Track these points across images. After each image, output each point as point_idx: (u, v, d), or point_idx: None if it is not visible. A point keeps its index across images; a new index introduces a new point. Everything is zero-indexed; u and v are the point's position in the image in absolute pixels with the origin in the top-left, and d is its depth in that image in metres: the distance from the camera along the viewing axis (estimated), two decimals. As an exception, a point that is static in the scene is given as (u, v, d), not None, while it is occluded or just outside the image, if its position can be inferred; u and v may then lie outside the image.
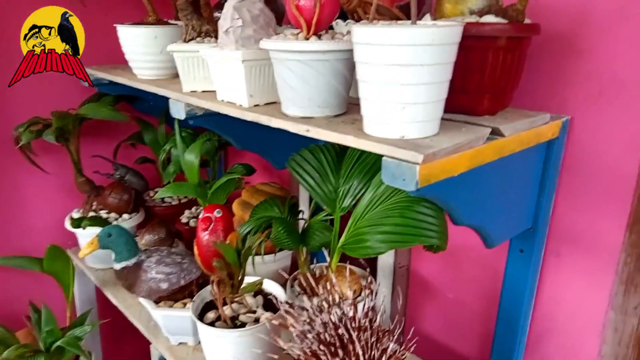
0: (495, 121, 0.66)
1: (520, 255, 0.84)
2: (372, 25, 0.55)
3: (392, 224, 0.62)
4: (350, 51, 0.67)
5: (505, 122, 0.65)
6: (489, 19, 0.64)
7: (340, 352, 0.61)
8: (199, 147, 0.98)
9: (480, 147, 0.60)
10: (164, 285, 0.94)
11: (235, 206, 1.12)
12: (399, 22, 0.65)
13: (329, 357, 0.60)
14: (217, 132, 0.99)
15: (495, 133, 0.63)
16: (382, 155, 0.56)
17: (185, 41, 0.92)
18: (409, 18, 0.80)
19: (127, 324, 1.15)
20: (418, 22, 0.60)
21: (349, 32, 0.71)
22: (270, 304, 0.88)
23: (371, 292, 0.71)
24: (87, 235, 1.24)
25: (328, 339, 0.63)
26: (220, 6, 0.91)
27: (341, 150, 0.78)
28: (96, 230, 1.19)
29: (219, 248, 0.70)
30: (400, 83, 0.55)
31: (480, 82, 0.66)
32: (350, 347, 0.61)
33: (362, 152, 0.75)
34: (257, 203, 1.11)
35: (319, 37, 0.68)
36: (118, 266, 0.94)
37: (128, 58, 1.10)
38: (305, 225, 0.87)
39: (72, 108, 1.29)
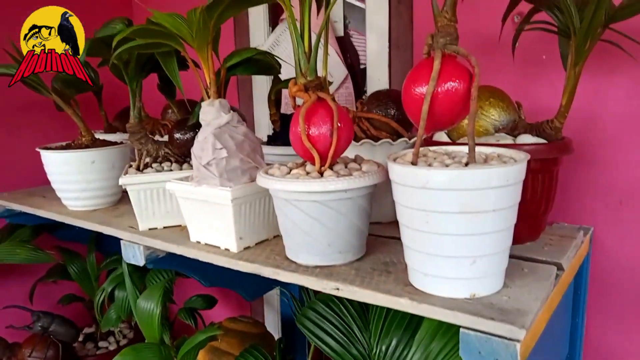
0: (546, 252, 0.58)
1: (559, 385, 0.73)
2: (437, 168, 0.44)
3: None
4: (373, 186, 0.56)
5: (560, 253, 0.57)
6: (527, 139, 0.57)
7: None
8: (160, 292, 0.79)
9: (552, 293, 0.51)
10: None
11: (201, 353, 0.92)
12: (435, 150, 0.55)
13: None
14: (182, 272, 0.81)
15: (557, 269, 0.54)
16: (457, 326, 0.44)
17: (139, 169, 0.76)
18: (407, 130, 0.73)
19: None
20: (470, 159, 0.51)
21: (357, 158, 0.61)
22: None
23: None
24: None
25: None
26: (178, 126, 0.77)
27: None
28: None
29: None
30: (473, 233, 0.44)
31: (521, 208, 0.57)
32: None
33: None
34: (227, 347, 0.92)
35: (331, 169, 0.56)
36: None
37: (56, 187, 0.90)
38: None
39: (-25, 248, 1.03)
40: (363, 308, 0.63)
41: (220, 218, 0.63)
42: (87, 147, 0.88)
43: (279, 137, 0.83)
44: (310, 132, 0.54)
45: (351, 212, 0.55)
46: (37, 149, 0.89)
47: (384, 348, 0.59)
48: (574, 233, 0.65)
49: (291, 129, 0.56)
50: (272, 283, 0.91)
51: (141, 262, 0.73)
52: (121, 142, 0.93)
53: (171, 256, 0.77)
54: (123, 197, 0.96)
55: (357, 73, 0.98)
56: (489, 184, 0.43)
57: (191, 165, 0.78)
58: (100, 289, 1.00)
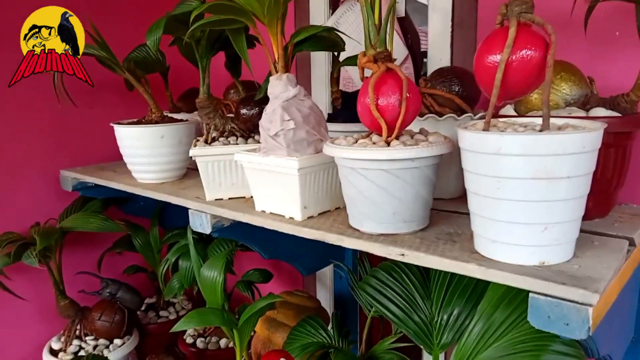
0: (617, 227, 0.56)
1: (623, 370, 0.72)
2: (509, 133, 0.45)
3: (528, 369, 0.49)
4: (439, 156, 0.57)
5: (631, 228, 0.56)
6: (600, 112, 0.56)
7: None
8: (223, 261, 0.83)
9: (624, 266, 0.50)
10: None
11: (258, 324, 0.95)
12: (510, 121, 0.55)
13: None
14: (244, 243, 0.85)
15: (629, 244, 0.53)
16: (527, 291, 0.44)
17: (208, 142, 0.79)
18: (471, 106, 0.73)
19: None
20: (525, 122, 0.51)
21: (422, 131, 0.61)
22: None
23: None
24: (72, 372, 1.02)
25: None
26: (244, 102, 0.80)
27: (423, 268, 0.65)
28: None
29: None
30: (546, 200, 0.44)
31: (592, 182, 0.57)
32: None
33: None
34: (284, 319, 0.95)
35: (397, 140, 0.57)
36: None
37: (127, 161, 0.96)
38: (365, 352, 0.73)
39: (52, 218, 1.11)
40: (424, 277, 0.63)
41: (286, 187, 0.65)
42: (156, 122, 0.93)
43: (340, 114, 0.85)
44: (378, 102, 0.55)
45: (417, 181, 0.55)
46: (112, 124, 0.94)
47: (445, 317, 0.59)
48: (645, 212, 0.63)
49: (359, 100, 0.58)
50: (330, 257, 0.93)
51: (207, 230, 0.77)
52: (187, 120, 0.98)
53: (235, 226, 0.80)
54: (188, 172, 1.00)
55: (416, 54, 0.98)
56: (564, 150, 0.43)
57: (256, 140, 0.81)
58: (164, 260, 1.05)
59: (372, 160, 0.54)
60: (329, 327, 0.81)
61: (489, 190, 0.47)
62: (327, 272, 1.18)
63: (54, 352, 1.06)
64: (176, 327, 0.78)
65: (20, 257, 0.93)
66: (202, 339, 1.10)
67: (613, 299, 0.47)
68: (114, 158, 1.15)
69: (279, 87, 0.66)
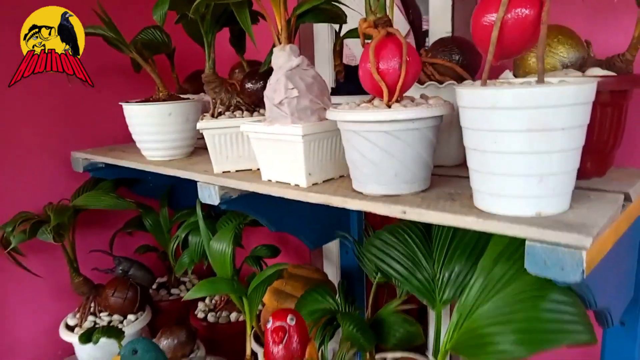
0: (613, 184, 0.58)
1: (622, 328, 0.73)
2: (504, 87, 0.46)
3: (526, 319, 0.50)
4: (439, 117, 0.59)
5: (627, 186, 0.57)
6: (596, 71, 0.57)
7: None
8: (231, 234, 0.85)
9: (619, 218, 0.51)
10: (204, 407, 0.77)
11: (267, 295, 0.97)
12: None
13: None
14: (251, 215, 0.87)
15: (625, 199, 0.55)
16: (522, 239, 0.46)
17: (214, 117, 0.81)
18: (471, 75, 0.74)
19: None
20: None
21: (422, 96, 0.63)
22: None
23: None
24: (89, 347, 1.05)
25: None
26: (251, 76, 0.82)
27: (426, 229, 0.67)
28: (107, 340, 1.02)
29: (305, 368, 0.56)
30: (542, 151, 0.46)
31: (589, 141, 0.58)
32: None
33: (457, 230, 0.64)
34: (292, 290, 0.98)
35: (399, 103, 0.59)
36: (146, 388, 0.77)
37: (136, 139, 0.98)
38: (371, 316, 0.75)
39: (65, 198, 1.14)
40: (426, 237, 0.65)
41: (291, 155, 0.67)
42: (164, 101, 0.95)
43: (343, 87, 0.86)
44: (379, 66, 0.57)
45: (418, 143, 0.57)
46: (120, 103, 0.97)
47: (447, 274, 0.61)
48: (643, 172, 0.64)
49: (360, 65, 0.59)
50: (336, 229, 0.95)
51: (216, 202, 0.79)
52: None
53: (243, 198, 0.82)
54: (196, 150, 1.03)
55: (417, 30, 0.99)
56: (559, 102, 0.44)
57: (261, 114, 0.83)
58: (174, 237, 1.08)
59: (374, 122, 0.56)
60: (336, 296, 0.83)
61: (486, 144, 0.48)
62: (333, 249, 1.20)
63: (70, 328, 1.09)
64: (188, 296, 0.80)
65: (36, 233, 0.96)
66: (213, 314, 1.13)
67: (608, 247, 0.49)
68: (123, 140, 1.17)
69: (282, 58, 0.68)
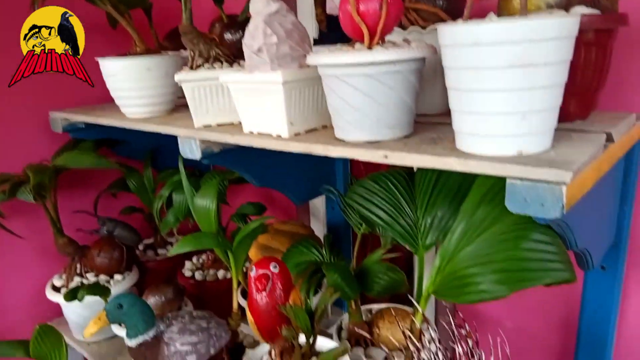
0: (596, 126, 0.58)
1: (603, 273, 0.75)
2: (486, 22, 0.45)
3: (507, 259, 0.51)
4: (422, 60, 0.57)
5: (610, 126, 0.57)
6: (580, 10, 0.56)
7: None
8: (215, 190, 0.85)
9: (600, 157, 0.51)
10: (192, 358, 0.78)
11: (253, 251, 0.98)
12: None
13: None
14: (234, 170, 0.86)
15: (607, 139, 0.55)
16: (504, 181, 0.46)
17: (193, 69, 0.79)
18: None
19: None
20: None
21: (405, 40, 0.61)
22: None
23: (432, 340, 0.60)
24: (76, 306, 1.05)
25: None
26: (229, 26, 0.80)
27: (409, 176, 0.67)
28: (94, 298, 1.02)
29: (288, 312, 0.56)
30: (524, 88, 0.45)
31: (573, 82, 0.57)
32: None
33: (440, 175, 0.64)
34: (278, 246, 0.98)
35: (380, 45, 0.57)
36: (133, 342, 0.77)
37: (115, 95, 0.95)
38: (356, 267, 0.75)
39: (45, 160, 1.11)
40: (409, 184, 0.65)
41: (272, 103, 0.65)
42: (141, 55, 0.92)
43: (326, 37, 0.84)
44: (359, 7, 0.55)
45: (400, 86, 0.56)
46: (96, 59, 0.93)
47: (429, 220, 0.61)
48: (626, 116, 0.64)
49: (340, 8, 0.57)
50: (322, 183, 0.95)
51: (197, 156, 0.78)
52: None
53: (225, 152, 0.81)
54: (177, 108, 1.00)
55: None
56: (542, 35, 0.43)
57: (241, 66, 0.81)
58: (158, 196, 1.07)
59: (354, 64, 0.54)
60: (322, 249, 0.83)
61: (468, 83, 0.47)
62: (319, 206, 1.20)
63: (56, 289, 1.09)
64: (173, 251, 0.80)
65: (15, 193, 0.94)
66: (201, 272, 1.13)
67: (589, 186, 0.49)
68: (103, 100, 1.14)
69: (261, 3, 0.66)
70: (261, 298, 0.60)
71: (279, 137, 0.67)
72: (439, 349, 0.54)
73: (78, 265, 1.12)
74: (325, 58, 0.56)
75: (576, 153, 0.47)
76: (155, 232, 1.28)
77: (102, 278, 1.11)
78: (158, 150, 1.26)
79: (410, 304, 0.81)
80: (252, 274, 0.62)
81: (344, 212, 0.81)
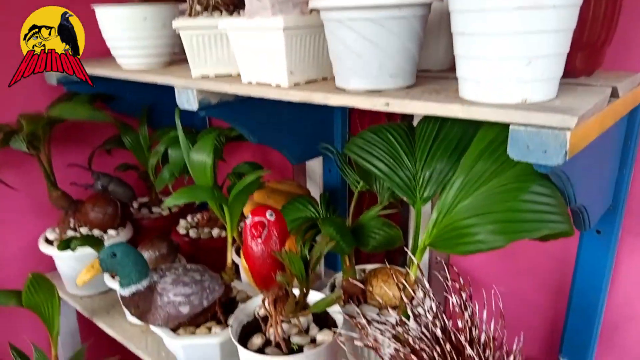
0: (601, 81, 0.57)
1: (598, 237, 0.75)
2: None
3: (505, 210, 0.50)
4: (427, 6, 0.56)
5: (616, 81, 0.56)
6: (593, -43, 0.54)
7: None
8: (211, 144, 0.83)
9: (604, 110, 0.50)
10: (185, 309, 0.78)
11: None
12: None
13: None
14: (232, 124, 0.85)
15: (612, 94, 0.54)
16: (505, 130, 0.45)
17: (191, 16, 0.77)
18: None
19: (128, 357, 0.98)
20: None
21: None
22: (320, 319, 0.75)
23: (426, 293, 0.60)
24: (69, 258, 1.05)
25: (436, 358, 0.51)
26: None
27: (409, 129, 0.66)
28: (87, 251, 1.02)
29: (283, 258, 0.56)
30: (531, 31, 0.44)
31: (580, 34, 0.56)
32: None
33: (440, 129, 0.63)
34: (274, 204, 0.97)
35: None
36: (126, 292, 0.77)
37: (110, 45, 0.93)
38: (352, 222, 0.75)
39: (38, 111, 1.10)
40: (409, 136, 0.64)
41: (272, 50, 0.64)
42: (138, 3, 0.89)
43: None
44: (366, -53, 0.53)
45: (404, 32, 0.55)
46: (92, 6, 0.91)
47: (428, 173, 0.61)
48: (632, 75, 0.63)
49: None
50: (319, 140, 0.94)
51: (194, 107, 0.76)
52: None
53: (223, 105, 0.80)
54: (173, 62, 0.98)
55: None
56: (552, -25, 0.42)
57: (240, 15, 0.78)
58: (154, 151, 1.05)
59: (358, 7, 0.53)
60: (320, 204, 0.83)
61: (474, 26, 0.46)
62: (316, 169, 1.19)
63: (49, 242, 1.09)
64: (167, 202, 0.79)
65: (8, 142, 0.93)
66: (195, 230, 1.13)
67: (591, 137, 0.48)
68: (100, 54, 1.12)
69: (263, -54, 0.64)
70: (256, 245, 0.59)
71: (278, 86, 0.66)
72: (433, 300, 0.54)
73: (72, 220, 1.12)
74: (328, 1, 0.54)
75: (581, 102, 0.46)
76: (150, 190, 1.27)
77: (96, 233, 1.11)
78: (154, 107, 1.24)
79: (404, 267, 0.81)
80: (248, 221, 0.61)
81: (342, 169, 0.81)
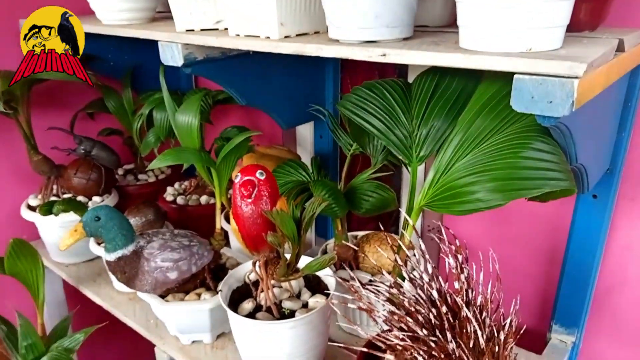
0: (606, 34, 0.54)
1: (593, 202, 0.73)
2: None
3: (505, 167, 0.48)
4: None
5: (622, 34, 0.53)
6: None
7: (448, 334, 0.49)
8: (197, 104, 0.80)
9: (611, 62, 0.48)
10: (173, 275, 0.76)
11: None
12: None
13: (443, 340, 0.47)
14: (219, 83, 0.81)
15: (618, 48, 0.51)
16: (508, 82, 0.43)
17: (175, -33, 0.73)
18: None
19: (115, 326, 0.96)
20: None
21: None
22: (311, 285, 0.73)
23: (423, 258, 0.58)
24: (53, 225, 1.02)
25: (432, 320, 0.50)
26: None
27: (405, 86, 0.63)
28: (71, 218, 0.99)
29: (274, 218, 0.54)
30: (539, -28, 0.41)
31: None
32: (467, 328, 0.48)
33: (439, 85, 0.60)
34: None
35: None
36: (112, 256, 0.75)
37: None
38: (345, 186, 0.73)
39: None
40: (405, 93, 0.62)
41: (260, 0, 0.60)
42: (119, -46, 0.85)
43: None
44: None
45: (402, -21, 0.51)
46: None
47: (425, 131, 0.58)
48: (636, 30, 0.60)
49: None
50: (310, 102, 0.91)
51: (179, 62, 0.73)
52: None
53: (210, 62, 0.76)
54: (156, 18, 0.94)
55: None
56: None
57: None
58: (138, 114, 1.02)
59: (354, -50, 0.49)
60: (311, 167, 0.81)
61: (479, -32, 0.43)
62: (307, 135, 1.16)
63: (32, 209, 1.06)
64: (153, 164, 0.76)
65: (-17, 102, 0.88)
66: (183, 197, 1.10)
67: (597, 90, 0.46)
68: (79, 12, 1.07)
69: None
70: (246, 205, 0.57)
71: (267, 38, 0.63)
72: (428, 261, 0.52)
73: (54, 186, 1.08)
74: (322, -57, 0.51)
75: (588, 51, 0.44)
76: (136, 156, 1.24)
77: (80, 199, 1.07)
78: (139, 70, 1.20)
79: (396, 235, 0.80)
80: (237, 180, 0.59)
81: (334, 131, 0.78)
